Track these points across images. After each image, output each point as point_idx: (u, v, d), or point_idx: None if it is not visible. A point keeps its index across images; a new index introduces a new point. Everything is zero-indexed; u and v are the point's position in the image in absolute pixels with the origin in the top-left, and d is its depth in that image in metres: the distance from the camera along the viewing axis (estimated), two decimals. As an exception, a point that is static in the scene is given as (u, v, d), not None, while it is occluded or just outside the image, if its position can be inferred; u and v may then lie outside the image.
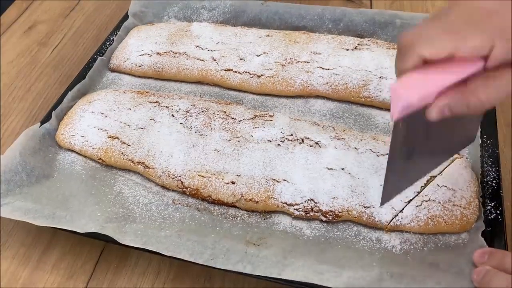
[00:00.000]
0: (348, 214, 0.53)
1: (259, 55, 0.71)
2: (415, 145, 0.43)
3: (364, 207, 0.52)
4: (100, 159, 0.62)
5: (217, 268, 0.48)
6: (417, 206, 0.52)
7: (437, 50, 0.35)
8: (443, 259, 0.48)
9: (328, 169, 0.55)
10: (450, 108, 0.36)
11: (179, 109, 0.63)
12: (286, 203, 0.54)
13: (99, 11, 0.95)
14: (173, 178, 0.58)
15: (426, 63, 0.36)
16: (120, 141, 0.62)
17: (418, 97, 0.36)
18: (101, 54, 0.77)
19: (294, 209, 0.54)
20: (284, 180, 0.55)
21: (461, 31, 0.34)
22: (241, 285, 0.53)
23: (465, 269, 0.47)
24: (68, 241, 0.57)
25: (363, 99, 0.66)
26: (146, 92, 0.69)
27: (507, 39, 0.33)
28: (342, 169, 0.55)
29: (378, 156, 0.56)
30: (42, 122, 0.65)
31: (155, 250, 0.49)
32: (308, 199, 0.54)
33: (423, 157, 0.45)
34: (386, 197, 0.46)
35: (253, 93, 0.70)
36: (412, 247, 0.51)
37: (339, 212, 0.53)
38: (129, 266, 0.55)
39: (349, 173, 0.54)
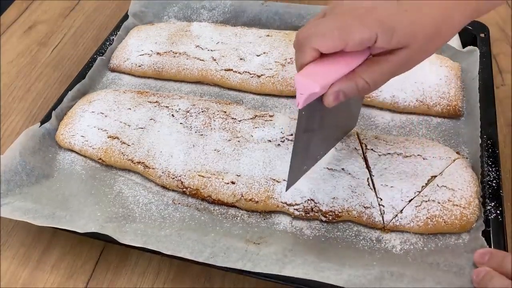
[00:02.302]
0: (348, 214, 0.53)
1: (259, 55, 0.71)
2: (314, 130, 0.47)
3: (364, 207, 0.52)
4: (100, 159, 0.62)
5: (217, 267, 0.48)
6: (416, 206, 0.52)
7: (330, 44, 0.39)
8: (443, 259, 0.48)
9: (328, 169, 0.55)
10: (344, 93, 0.41)
11: (179, 109, 0.63)
12: (286, 203, 0.54)
13: (99, 11, 0.95)
14: (173, 178, 0.58)
15: (322, 56, 0.40)
16: (120, 141, 0.61)
17: (320, 87, 0.40)
18: (101, 54, 0.77)
19: (294, 209, 0.54)
20: (284, 180, 0.55)
21: (348, 26, 0.38)
22: (241, 285, 0.53)
23: (466, 269, 0.47)
24: (68, 241, 0.57)
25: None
26: (146, 92, 0.69)
27: (386, 30, 0.37)
28: (343, 169, 0.55)
29: (379, 155, 0.56)
30: (42, 122, 0.65)
31: (155, 249, 0.49)
32: (308, 199, 0.54)
33: (319, 141, 0.51)
34: (291, 182, 0.50)
35: (253, 93, 0.70)
36: (412, 247, 0.51)
37: (339, 212, 0.53)
38: (129, 266, 0.55)
39: (349, 174, 0.54)
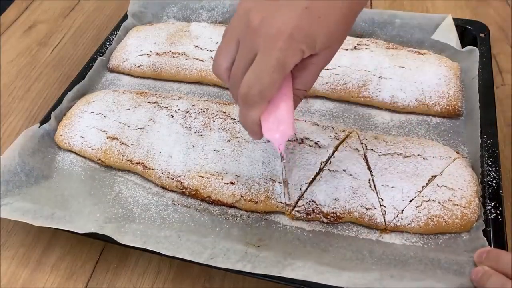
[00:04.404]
0: (350, 215, 0.53)
1: (259, 55, 0.71)
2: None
3: (366, 208, 0.52)
4: (99, 159, 0.62)
5: (216, 268, 0.48)
6: (417, 207, 0.52)
7: (276, 88, 0.40)
8: (443, 259, 0.48)
9: (329, 170, 0.55)
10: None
11: (179, 109, 0.63)
12: (286, 203, 0.54)
13: (99, 11, 0.95)
14: (173, 179, 0.58)
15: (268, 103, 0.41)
16: (120, 142, 0.61)
17: (293, 129, 0.43)
18: (101, 54, 0.77)
19: (295, 210, 0.54)
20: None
21: (282, 59, 0.38)
22: (241, 285, 0.53)
23: (466, 268, 0.47)
24: (67, 241, 0.57)
25: (362, 99, 0.66)
26: (145, 93, 0.69)
27: (310, 43, 0.38)
28: (344, 170, 0.55)
29: (379, 156, 0.56)
30: (42, 123, 0.65)
31: (154, 250, 0.49)
32: (309, 201, 0.53)
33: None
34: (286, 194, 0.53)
35: (253, 93, 0.70)
36: (413, 246, 0.51)
37: (341, 214, 0.53)
38: (129, 266, 0.55)
39: (351, 175, 0.54)
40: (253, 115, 0.41)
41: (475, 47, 0.69)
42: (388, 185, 0.53)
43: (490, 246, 0.48)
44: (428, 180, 0.53)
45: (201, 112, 0.63)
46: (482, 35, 0.72)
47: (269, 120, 0.42)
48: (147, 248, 0.50)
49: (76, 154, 0.64)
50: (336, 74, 0.67)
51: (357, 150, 0.56)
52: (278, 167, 0.56)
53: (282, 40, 0.37)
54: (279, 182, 0.55)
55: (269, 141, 0.58)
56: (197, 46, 0.74)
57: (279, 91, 0.41)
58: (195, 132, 0.60)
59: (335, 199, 0.53)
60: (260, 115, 0.41)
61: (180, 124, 0.62)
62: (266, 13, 0.38)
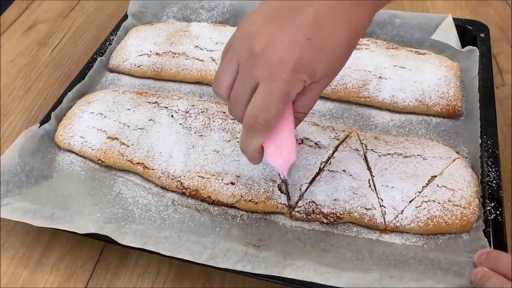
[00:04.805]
0: (350, 216, 0.53)
1: (259, 55, 0.71)
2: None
3: (366, 209, 0.52)
4: (99, 160, 0.62)
5: (216, 268, 0.48)
6: (417, 207, 0.52)
7: (280, 115, 0.41)
8: (443, 259, 0.48)
9: (329, 171, 0.55)
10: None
11: (179, 109, 0.63)
12: (286, 204, 0.54)
13: (99, 11, 0.95)
14: (173, 179, 0.58)
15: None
16: (120, 142, 0.61)
17: (295, 154, 0.44)
18: (101, 54, 0.77)
19: (295, 211, 0.54)
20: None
21: (286, 89, 0.39)
22: (241, 285, 0.53)
23: (466, 268, 0.47)
24: (67, 242, 0.57)
25: (362, 99, 0.66)
26: (145, 93, 0.69)
27: (310, 73, 0.39)
28: (344, 170, 0.55)
29: (379, 156, 0.56)
30: (42, 123, 0.65)
31: (154, 251, 0.49)
32: (309, 201, 0.53)
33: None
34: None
35: (253, 93, 0.70)
36: (412, 246, 0.51)
37: (341, 214, 0.53)
38: (128, 266, 0.55)
39: (351, 175, 0.54)
40: (257, 142, 0.42)
41: (475, 47, 0.69)
42: (388, 186, 0.53)
43: (490, 247, 0.48)
44: (428, 181, 0.53)
45: (201, 112, 0.63)
46: (482, 35, 0.72)
47: (272, 147, 0.43)
48: (147, 248, 0.50)
49: (76, 154, 0.64)
50: (336, 74, 0.67)
51: (357, 150, 0.56)
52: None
53: (285, 72, 0.38)
54: (279, 186, 0.55)
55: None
56: (197, 46, 0.74)
57: (281, 123, 0.42)
58: (195, 132, 0.60)
59: (335, 199, 0.53)
60: (263, 142, 0.43)
61: (180, 124, 0.62)
62: (269, 40, 0.38)
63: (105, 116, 0.64)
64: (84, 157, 0.63)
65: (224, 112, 0.62)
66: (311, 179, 0.54)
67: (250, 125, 0.41)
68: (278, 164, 0.44)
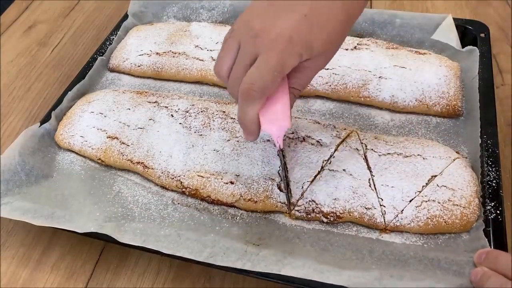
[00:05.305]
0: (350, 215, 0.53)
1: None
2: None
3: (366, 208, 0.52)
4: (99, 159, 0.62)
5: (216, 267, 0.48)
6: (417, 207, 0.52)
7: (275, 86, 0.42)
8: (443, 259, 0.48)
9: (330, 170, 0.55)
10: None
11: (179, 109, 0.63)
12: (285, 203, 0.54)
13: (99, 11, 0.95)
14: (173, 178, 0.58)
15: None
16: (120, 141, 0.61)
17: (289, 122, 0.45)
18: (101, 54, 0.77)
19: (295, 210, 0.54)
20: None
21: (282, 61, 0.41)
22: (241, 285, 0.53)
23: (465, 268, 0.47)
24: (68, 241, 0.57)
25: (362, 99, 0.66)
26: (145, 92, 0.69)
27: (307, 48, 0.41)
28: (344, 170, 0.55)
29: (379, 156, 0.56)
30: (42, 122, 0.65)
31: (154, 249, 0.49)
32: (309, 200, 0.53)
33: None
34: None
35: (253, 93, 0.70)
36: (412, 245, 0.51)
37: (340, 214, 0.53)
38: (129, 266, 0.55)
39: (351, 174, 0.54)
40: (252, 110, 0.43)
41: (475, 47, 0.69)
42: (388, 185, 0.53)
43: (490, 246, 0.48)
44: (428, 180, 0.53)
45: (201, 111, 0.63)
46: (482, 35, 0.72)
47: (267, 115, 0.44)
48: (147, 246, 0.50)
49: (76, 153, 0.64)
50: (336, 74, 0.67)
51: (357, 150, 0.56)
52: (278, 166, 0.56)
53: (282, 43, 0.40)
54: (278, 184, 0.55)
55: (268, 140, 0.58)
56: (197, 46, 0.74)
57: (276, 89, 0.44)
58: (195, 132, 0.60)
59: (335, 198, 0.53)
60: (258, 110, 0.44)
61: (180, 123, 0.62)
62: (267, 20, 0.41)
63: (105, 116, 0.64)
64: (84, 157, 0.63)
65: (224, 112, 0.62)
66: (313, 177, 0.54)
67: (246, 92, 0.42)
68: (273, 131, 0.45)
